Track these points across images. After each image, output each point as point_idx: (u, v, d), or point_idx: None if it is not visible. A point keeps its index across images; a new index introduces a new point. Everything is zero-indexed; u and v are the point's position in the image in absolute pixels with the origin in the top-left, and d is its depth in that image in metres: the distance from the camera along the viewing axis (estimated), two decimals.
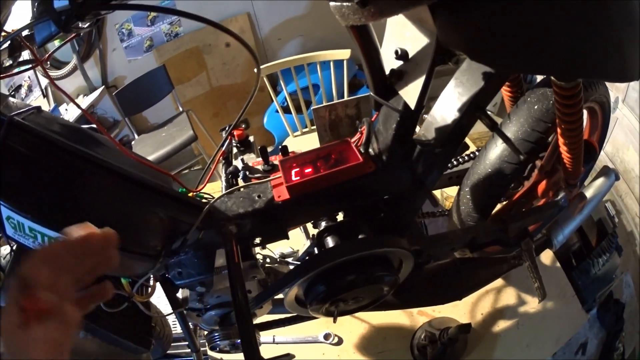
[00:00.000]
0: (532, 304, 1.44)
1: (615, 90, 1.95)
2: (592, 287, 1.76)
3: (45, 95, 3.27)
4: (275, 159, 1.00)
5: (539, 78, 1.97)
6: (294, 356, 0.86)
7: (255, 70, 0.87)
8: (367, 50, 0.73)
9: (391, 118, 0.86)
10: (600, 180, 1.37)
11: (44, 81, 3.26)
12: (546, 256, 1.57)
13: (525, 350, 1.36)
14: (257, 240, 0.94)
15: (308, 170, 0.90)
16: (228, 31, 0.76)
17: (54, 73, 3.20)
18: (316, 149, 0.96)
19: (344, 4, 0.52)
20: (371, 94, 0.82)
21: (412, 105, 0.75)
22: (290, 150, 1.03)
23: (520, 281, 1.49)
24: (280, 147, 0.98)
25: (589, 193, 1.31)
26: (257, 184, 0.95)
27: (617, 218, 2.05)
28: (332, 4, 0.55)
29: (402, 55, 0.75)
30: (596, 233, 2.05)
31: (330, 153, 0.93)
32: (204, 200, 0.96)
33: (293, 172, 0.90)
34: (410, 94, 0.75)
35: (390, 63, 0.79)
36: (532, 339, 1.38)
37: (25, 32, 0.82)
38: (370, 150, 0.93)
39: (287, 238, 0.94)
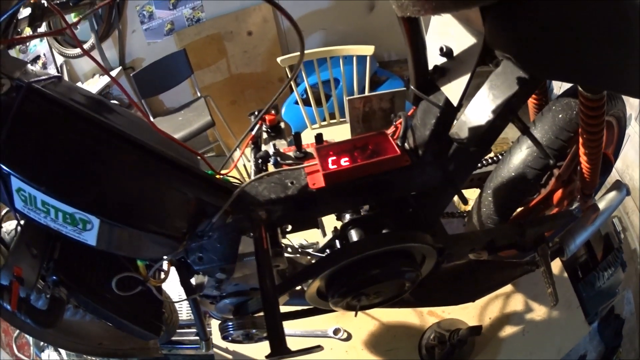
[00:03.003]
0: (539, 312, 1.45)
1: (629, 107, 1.95)
2: (595, 300, 1.76)
3: (60, 73, 3.27)
4: (308, 147, 0.99)
5: (555, 88, 1.98)
6: (322, 348, 0.85)
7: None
8: (415, 43, 0.74)
9: (430, 113, 0.87)
10: (613, 193, 1.37)
11: (60, 59, 3.26)
12: (554, 266, 1.57)
13: (528, 357, 1.37)
14: (288, 228, 0.93)
15: (345, 159, 0.89)
16: (276, 5, 0.73)
17: (71, 51, 3.19)
18: (352, 139, 0.95)
19: None
20: (412, 87, 0.83)
21: (455, 102, 0.75)
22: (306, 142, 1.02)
23: (529, 288, 1.49)
24: (315, 135, 0.98)
25: (601, 205, 1.32)
26: (289, 170, 0.94)
27: (622, 234, 2.06)
28: None
29: (446, 52, 0.76)
30: (602, 247, 2.06)
31: (367, 144, 0.92)
32: (233, 184, 0.95)
33: (330, 160, 0.90)
34: (453, 90, 0.76)
35: (432, 59, 0.80)
36: (536, 346, 1.39)
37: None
38: (406, 144, 0.93)
39: (317, 227, 0.94)
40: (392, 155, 0.88)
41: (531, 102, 1.22)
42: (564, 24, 0.56)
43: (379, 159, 0.88)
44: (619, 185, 1.39)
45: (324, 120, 2.59)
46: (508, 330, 1.42)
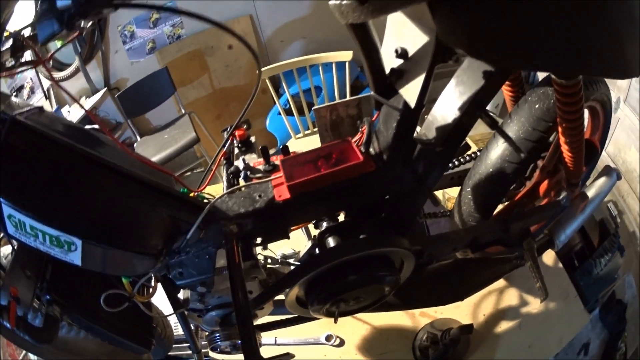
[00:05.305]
0: (534, 305, 1.44)
1: (617, 90, 1.95)
2: (594, 288, 1.75)
3: (47, 97, 3.29)
4: (277, 159, 1.00)
5: (541, 77, 1.98)
6: (293, 356, 0.86)
7: (257, 72, 0.88)
8: (367, 49, 0.74)
9: (391, 117, 0.86)
10: (602, 179, 1.36)
11: (46, 83, 3.28)
12: (548, 257, 1.57)
13: (527, 351, 1.35)
14: (258, 240, 0.94)
15: (309, 169, 0.90)
16: (230, 31, 0.77)
17: (56, 75, 3.22)
18: (317, 149, 0.96)
19: (343, 2, 0.52)
20: (372, 93, 0.82)
21: (412, 104, 0.75)
22: (291, 150, 1.03)
23: (522, 282, 1.48)
24: (281, 147, 0.99)
25: (590, 193, 1.31)
26: (258, 183, 0.95)
27: (619, 218, 2.04)
28: (331, 2, 0.55)
29: (402, 53, 0.75)
30: (598, 233, 2.05)
31: (331, 152, 0.93)
32: (205, 201, 0.96)
33: (294, 171, 0.90)
34: (410, 92, 0.75)
35: (390, 62, 0.79)
36: (535, 339, 1.37)
37: (28, 32, 0.82)
38: (371, 149, 0.93)
39: (288, 238, 0.94)
40: (355, 162, 0.88)
41: (507, 94, 1.21)
42: (519, 7, 0.53)
43: (342, 167, 0.88)
44: (608, 171, 1.39)
45: (308, 129, 2.60)
46: (504, 325, 1.41)
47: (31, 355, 1.61)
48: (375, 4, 0.51)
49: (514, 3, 0.53)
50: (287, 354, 0.85)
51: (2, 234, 0.82)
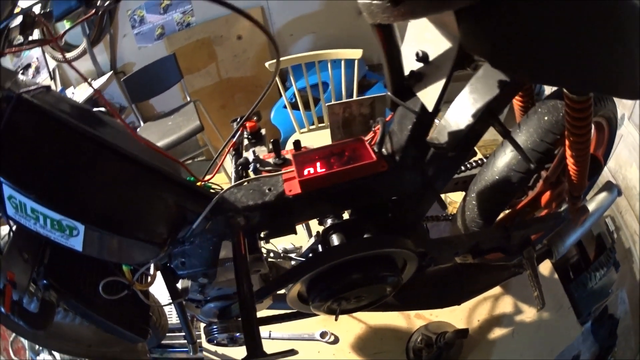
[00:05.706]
0: (529, 314, 1.45)
1: (622, 107, 1.95)
2: (588, 301, 1.76)
3: (52, 78, 3.27)
4: (287, 153, 0.99)
5: (547, 90, 1.98)
6: (297, 352, 0.86)
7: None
8: (389, 50, 0.73)
9: (407, 119, 0.86)
10: (603, 194, 1.37)
11: (52, 63, 3.26)
12: (544, 267, 1.58)
13: (518, 359, 1.37)
14: (264, 234, 0.93)
15: (321, 165, 0.90)
16: (249, 17, 0.75)
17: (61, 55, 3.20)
18: (330, 145, 0.95)
19: (374, 1, 0.53)
20: (389, 93, 0.82)
21: (430, 108, 0.75)
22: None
23: (518, 290, 1.50)
24: (293, 141, 0.98)
25: (591, 207, 1.32)
26: (267, 177, 0.94)
27: (616, 234, 2.05)
28: (360, 1, 0.55)
29: (422, 57, 0.75)
30: (595, 247, 2.06)
31: (343, 150, 0.92)
32: (212, 191, 0.96)
33: (306, 166, 0.90)
34: (429, 96, 0.75)
35: (409, 64, 0.79)
36: (527, 347, 1.39)
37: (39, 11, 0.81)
38: (384, 149, 0.93)
39: (295, 233, 0.93)
40: (368, 162, 0.87)
41: (517, 104, 1.22)
42: (543, 24, 0.54)
43: (355, 165, 0.87)
44: (609, 186, 1.39)
45: (313, 124, 2.59)
46: (497, 332, 1.42)
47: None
48: (407, 7, 0.51)
49: (540, 21, 0.54)
50: (292, 350, 0.85)
51: (0, 215, 0.79)
